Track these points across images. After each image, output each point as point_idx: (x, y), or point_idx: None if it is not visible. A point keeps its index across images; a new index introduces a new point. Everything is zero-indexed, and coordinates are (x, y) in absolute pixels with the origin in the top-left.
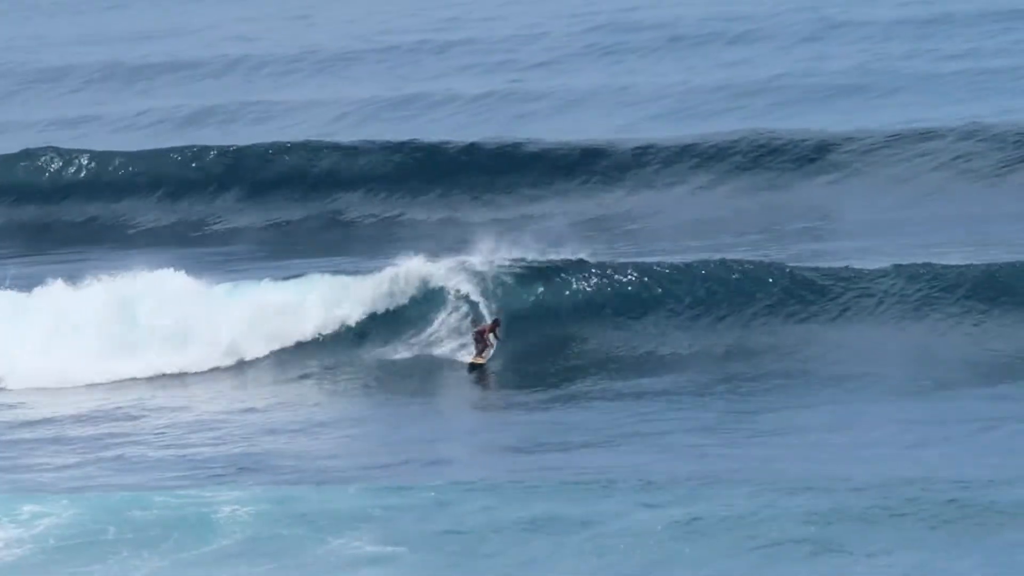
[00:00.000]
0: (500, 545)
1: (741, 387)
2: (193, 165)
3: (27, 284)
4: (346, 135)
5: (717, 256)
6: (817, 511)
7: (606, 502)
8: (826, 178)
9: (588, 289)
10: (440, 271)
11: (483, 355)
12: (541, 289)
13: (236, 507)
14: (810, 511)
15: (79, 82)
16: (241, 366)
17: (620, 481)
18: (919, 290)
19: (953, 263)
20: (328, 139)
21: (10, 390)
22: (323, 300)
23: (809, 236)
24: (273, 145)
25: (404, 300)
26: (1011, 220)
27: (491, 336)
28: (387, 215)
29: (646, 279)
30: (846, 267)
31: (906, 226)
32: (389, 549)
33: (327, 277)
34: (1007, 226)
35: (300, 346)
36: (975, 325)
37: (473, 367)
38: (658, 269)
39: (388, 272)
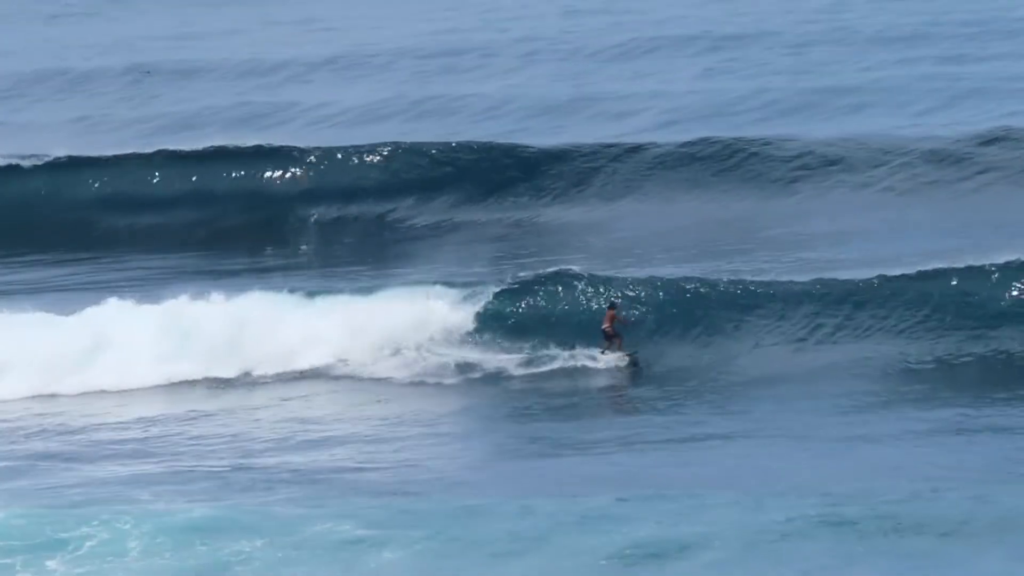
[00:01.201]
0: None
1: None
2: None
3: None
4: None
5: (679, 272)
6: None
7: (607, 508)
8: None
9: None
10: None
11: (618, 347)
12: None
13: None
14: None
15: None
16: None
17: (604, 486)
18: (875, 304)
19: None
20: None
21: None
22: (343, 320)
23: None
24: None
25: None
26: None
27: (615, 324)
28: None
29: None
30: (819, 279)
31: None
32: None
33: (347, 296)
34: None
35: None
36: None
37: (628, 363)
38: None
39: (411, 290)
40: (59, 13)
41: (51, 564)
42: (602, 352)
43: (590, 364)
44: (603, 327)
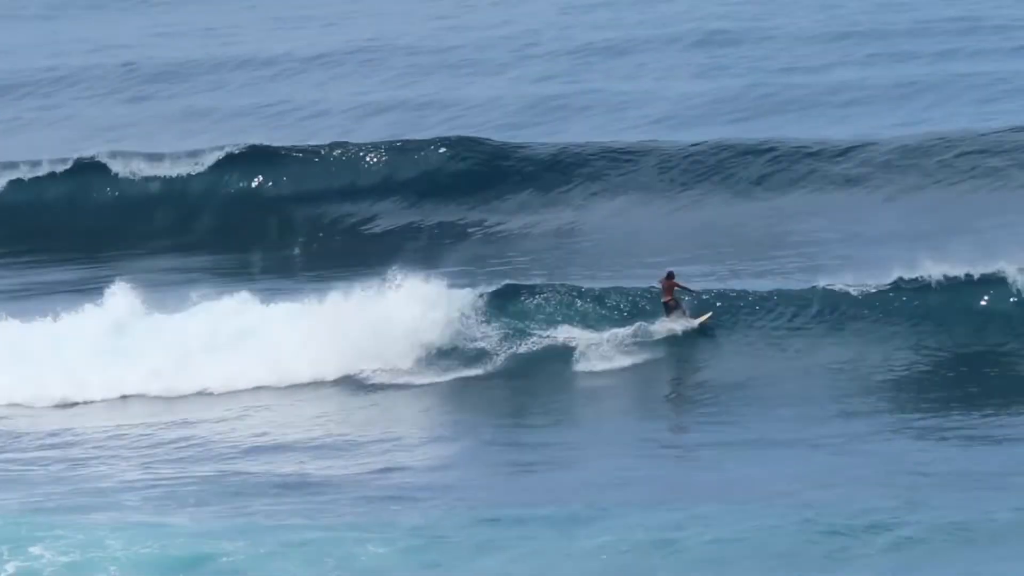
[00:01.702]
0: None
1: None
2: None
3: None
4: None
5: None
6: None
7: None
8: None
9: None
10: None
11: (683, 314)
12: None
13: None
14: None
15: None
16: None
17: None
18: (844, 311)
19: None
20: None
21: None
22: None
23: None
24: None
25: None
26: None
27: (676, 293)
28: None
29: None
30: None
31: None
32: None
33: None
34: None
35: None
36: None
37: (705, 323)
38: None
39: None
40: (51, 10)
41: (34, 550)
42: (665, 321)
43: (574, 348)
44: (663, 300)
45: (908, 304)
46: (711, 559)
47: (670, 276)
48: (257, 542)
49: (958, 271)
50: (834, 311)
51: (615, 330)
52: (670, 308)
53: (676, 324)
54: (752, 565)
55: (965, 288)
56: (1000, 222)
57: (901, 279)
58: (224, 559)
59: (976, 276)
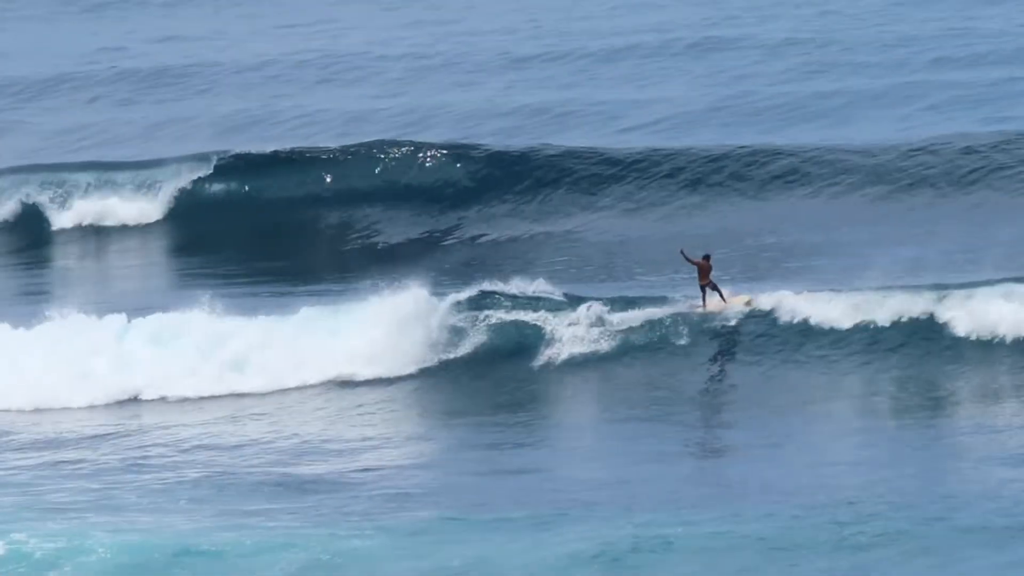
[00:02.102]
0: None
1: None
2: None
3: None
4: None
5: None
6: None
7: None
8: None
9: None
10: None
11: (721, 296)
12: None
13: None
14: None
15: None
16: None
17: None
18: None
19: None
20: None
21: None
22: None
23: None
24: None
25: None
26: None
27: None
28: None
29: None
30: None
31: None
32: None
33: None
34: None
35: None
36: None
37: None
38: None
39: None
40: (48, 12)
41: (20, 536)
42: (701, 308)
43: (561, 349)
44: (701, 282)
45: (899, 308)
46: (703, 556)
47: (707, 257)
48: (243, 536)
49: (948, 277)
50: (825, 315)
51: (601, 329)
52: (707, 291)
53: (713, 307)
54: (745, 563)
55: (956, 294)
56: (994, 223)
57: (888, 286)
58: (209, 548)
59: (964, 282)
